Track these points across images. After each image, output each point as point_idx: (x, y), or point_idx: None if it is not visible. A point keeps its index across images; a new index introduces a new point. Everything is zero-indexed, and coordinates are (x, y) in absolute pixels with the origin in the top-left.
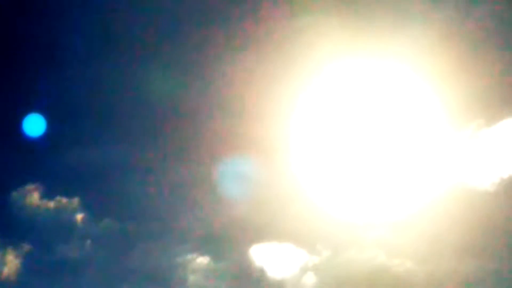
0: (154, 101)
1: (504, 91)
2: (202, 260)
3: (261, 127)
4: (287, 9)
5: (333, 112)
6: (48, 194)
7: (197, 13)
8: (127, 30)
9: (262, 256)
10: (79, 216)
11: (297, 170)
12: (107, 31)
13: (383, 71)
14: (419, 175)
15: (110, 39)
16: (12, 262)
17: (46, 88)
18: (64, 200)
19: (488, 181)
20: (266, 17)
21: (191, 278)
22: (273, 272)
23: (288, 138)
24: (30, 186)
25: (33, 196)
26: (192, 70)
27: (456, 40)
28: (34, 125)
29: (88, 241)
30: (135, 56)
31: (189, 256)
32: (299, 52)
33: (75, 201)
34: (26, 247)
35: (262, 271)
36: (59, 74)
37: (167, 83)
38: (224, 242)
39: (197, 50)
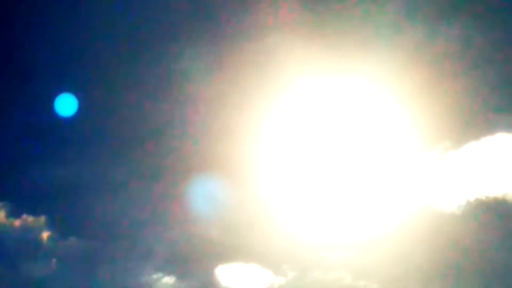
0: (121, 119)
1: (470, 113)
2: (168, 280)
3: (229, 148)
4: (256, 28)
5: (301, 131)
6: (14, 212)
7: (163, 31)
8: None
9: (228, 276)
10: (45, 235)
11: (264, 191)
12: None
13: (351, 90)
14: (386, 196)
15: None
16: None
17: (12, 103)
18: (30, 218)
19: (454, 204)
20: (235, 36)
21: None
22: None
23: (255, 157)
24: None
25: None
26: (161, 88)
27: (423, 62)
28: None
29: (54, 260)
30: (101, 74)
31: (155, 276)
32: (269, 71)
33: (42, 219)
34: None
35: None
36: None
37: (134, 101)
38: (190, 262)
39: (166, 67)
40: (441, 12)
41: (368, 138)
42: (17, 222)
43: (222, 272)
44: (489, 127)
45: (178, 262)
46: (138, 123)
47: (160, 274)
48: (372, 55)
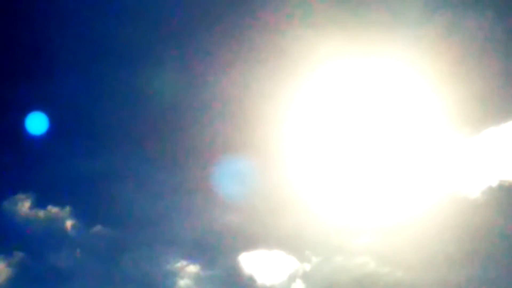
0: (144, 107)
1: (490, 99)
2: (192, 268)
3: (253, 134)
4: (285, 12)
5: (329, 116)
6: (39, 203)
7: (194, 18)
8: (120, 38)
9: (252, 263)
10: (69, 224)
11: (288, 177)
12: (99, 38)
13: (377, 75)
14: (408, 183)
15: (103, 46)
16: (3, 271)
17: (36, 97)
18: (55, 209)
19: (477, 190)
20: (263, 22)
21: (181, 285)
22: (262, 280)
23: (279, 144)
24: (21, 195)
25: (24, 205)
26: (186, 74)
27: (443, 50)
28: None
29: (79, 249)
30: (127, 63)
31: (179, 264)
32: (298, 56)
33: (66, 210)
34: (18, 255)
35: (251, 278)
36: (47, 83)
37: (159, 89)
38: (215, 250)
39: (192, 53)
40: None
41: (392, 124)
42: (41, 213)
43: (246, 259)
44: (508, 113)
45: (203, 250)
46: (162, 111)
47: (184, 262)
48: (396, 41)
